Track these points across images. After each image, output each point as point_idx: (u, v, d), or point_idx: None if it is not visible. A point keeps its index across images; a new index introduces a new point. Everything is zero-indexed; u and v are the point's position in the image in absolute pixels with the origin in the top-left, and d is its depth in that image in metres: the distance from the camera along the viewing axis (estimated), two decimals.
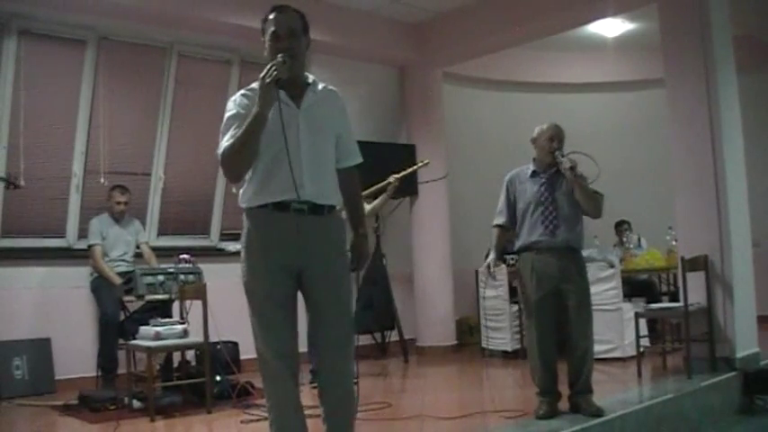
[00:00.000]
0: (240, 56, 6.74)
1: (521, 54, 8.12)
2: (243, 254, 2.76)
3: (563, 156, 4.14)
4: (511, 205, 4.30)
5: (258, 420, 4.24)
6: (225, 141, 2.66)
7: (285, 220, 2.70)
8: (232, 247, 6.69)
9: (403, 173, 5.82)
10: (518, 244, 4.26)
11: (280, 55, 2.61)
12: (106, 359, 5.46)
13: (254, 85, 2.68)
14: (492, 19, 6.90)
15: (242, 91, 2.77)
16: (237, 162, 2.64)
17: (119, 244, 5.79)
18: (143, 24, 6.09)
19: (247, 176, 2.74)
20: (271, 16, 2.73)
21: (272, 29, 2.70)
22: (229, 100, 2.77)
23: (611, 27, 7.80)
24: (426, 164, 5.93)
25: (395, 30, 7.42)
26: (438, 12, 7.22)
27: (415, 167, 5.95)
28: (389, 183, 5.79)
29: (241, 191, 2.79)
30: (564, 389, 4.24)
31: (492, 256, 4.30)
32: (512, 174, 4.36)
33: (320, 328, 2.78)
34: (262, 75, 2.58)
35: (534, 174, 4.26)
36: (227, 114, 2.72)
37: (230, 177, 2.76)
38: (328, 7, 6.40)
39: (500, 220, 4.33)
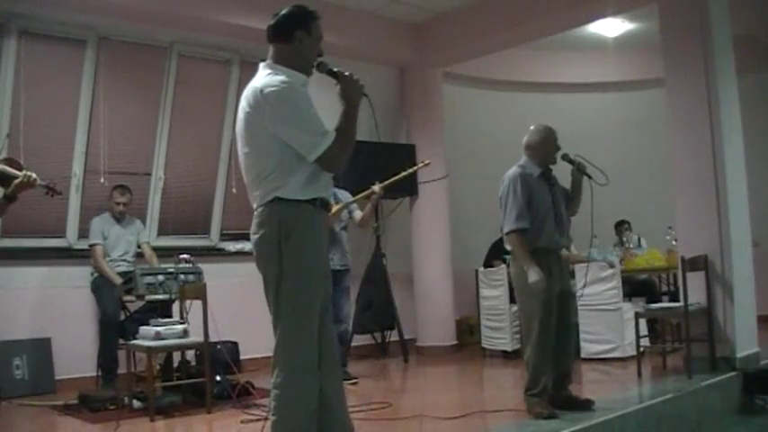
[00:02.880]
0: (240, 56, 6.74)
1: (521, 54, 8.13)
2: (289, 254, 2.67)
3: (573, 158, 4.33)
4: (526, 206, 4.17)
5: (258, 420, 4.24)
6: (324, 137, 2.68)
7: (325, 218, 2.82)
8: (232, 246, 6.70)
9: (389, 180, 5.43)
10: (536, 245, 4.14)
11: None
12: (106, 359, 5.46)
13: (284, 77, 2.74)
14: (492, 19, 6.89)
15: (288, 84, 2.73)
16: (348, 157, 2.77)
17: (120, 244, 5.79)
18: (143, 24, 6.09)
19: (287, 167, 2.71)
20: (319, 21, 2.89)
21: (322, 34, 2.89)
22: (290, 88, 2.71)
23: (611, 27, 7.80)
24: (427, 164, 5.71)
25: (395, 30, 7.42)
26: (438, 12, 7.22)
27: (415, 168, 5.73)
28: (373, 192, 5.43)
29: (276, 184, 2.71)
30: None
31: (535, 267, 4.05)
32: (519, 174, 4.20)
33: (326, 325, 2.84)
34: (356, 79, 2.78)
35: (542, 176, 4.26)
36: (309, 108, 2.72)
37: (335, 170, 2.81)
38: (328, 7, 6.39)
39: (525, 223, 4.12)
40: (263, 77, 2.77)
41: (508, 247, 4.27)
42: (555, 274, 4.17)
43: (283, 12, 2.84)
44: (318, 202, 2.75)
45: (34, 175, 4.03)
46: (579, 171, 4.31)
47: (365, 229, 5.74)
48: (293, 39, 2.80)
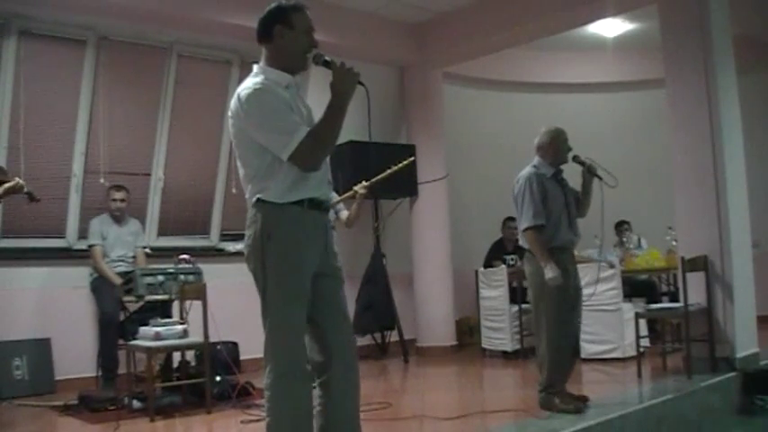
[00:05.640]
0: (240, 56, 6.74)
1: (521, 54, 8.12)
2: (271, 253, 2.66)
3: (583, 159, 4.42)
4: (542, 205, 4.24)
5: (258, 420, 4.24)
6: (295, 134, 2.62)
7: (317, 217, 2.76)
8: (232, 247, 6.70)
9: (373, 180, 5.41)
10: (552, 243, 4.22)
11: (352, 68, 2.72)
12: (106, 359, 5.45)
13: (262, 78, 2.72)
14: (492, 19, 6.89)
15: (261, 86, 2.69)
16: (326, 153, 2.72)
17: (119, 244, 5.79)
18: (143, 24, 6.09)
19: (269, 169, 2.68)
20: (305, 12, 2.81)
21: (311, 25, 2.82)
22: (261, 89, 2.68)
23: (611, 27, 7.79)
24: (411, 160, 5.59)
25: (395, 30, 7.42)
26: (438, 12, 7.22)
27: (399, 166, 5.63)
28: (355, 192, 5.44)
29: (260, 186, 2.71)
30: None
31: (552, 263, 4.11)
32: (534, 174, 4.28)
33: (335, 326, 2.81)
34: (350, 68, 2.68)
35: (554, 176, 4.34)
36: (280, 108, 2.67)
37: (311, 168, 2.70)
38: (328, 7, 6.41)
39: (541, 219, 4.19)
40: (246, 80, 2.79)
41: (525, 245, 4.30)
42: (570, 272, 4.26)
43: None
44: (306, 202, 2.71)
45: (22, 182, 4.31)
46: (590, 173, 4.38)
47: (350, 228, 5.73)
48: (273, 36, 2.78)
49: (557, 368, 4.17)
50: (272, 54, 2.80)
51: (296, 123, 2.68)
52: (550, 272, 4.09)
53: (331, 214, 5.56)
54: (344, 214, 5.62)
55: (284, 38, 2.77)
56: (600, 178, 4.36)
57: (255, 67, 2.83)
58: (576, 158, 4.40)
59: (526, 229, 4.21)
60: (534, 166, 4.33)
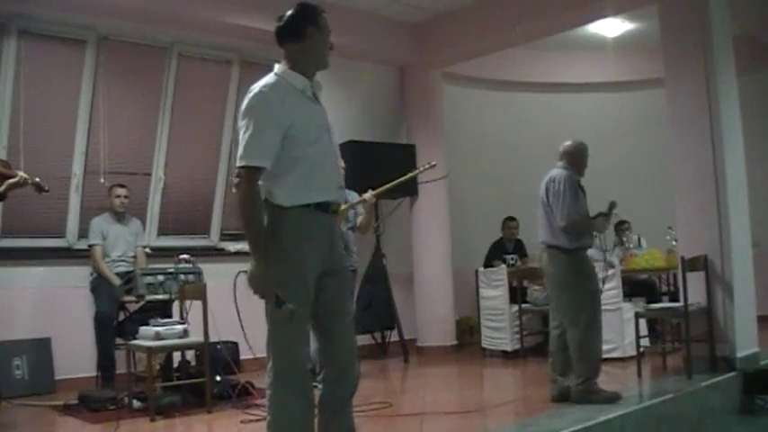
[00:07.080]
0: (240, 56, 6.74)
1: (521, 54, 8.13)
2: (277, 255, 2.65)
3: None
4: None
5: (258, 420, 4.24)
6: (247, 157, 2.60)
7: (324, 220, 2.76)
8: (232, 247, 6.70)
9: (386, 186, 5.30)
10: (581, 243, 4.49)
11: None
12: (102, 357, 5.43)
13: (273, 80, 2.70)
14: (492, 19, 6.90)
15: (267, 89, 2.66)
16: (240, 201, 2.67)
17: (119, 243, 5.79)
18: (143, 24, 6.09)
19: (277, 173, 2.66)
20: (325, 15, 2.83)
21: (329, 27, 2.83)
22: (265, 93, 2.64)
23: (611, 27, 7.80)
24: (433, 165, 5.49)
25: (395, 30, 7.42)
26: (438, 12, 7.22)
27: (419, 171, 5.55)
28: (364, 200, 5.29)
29: (267, 187, 2.70)
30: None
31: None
32: (570, 175, 4.48)
33: (336, 326, 2.81)
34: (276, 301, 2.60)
35: (579, 183, 4.56)
36: (264, 121, 2.62)
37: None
38: (328, 7, 6.35)
39: (579, 216, 4.46)
40: (264, 78, 2.77)
41: (552, 243, 4.46)
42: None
43: (291, 12, 2.79)
44: (313, 206, 2.70)
45: (26, 176, 4.30)
46: (609, 212, 4.65)
47: (363, 233, 5.69)
48: (306, 36, 2.76)
49: (598, 358, 4.38)
50: (297, 55, 2.77)
51: (264, 148, 2.62)
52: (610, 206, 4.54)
53: (351, 214, 5.53)
54: (360, 219, 5.54)
55: (314, 39, 2.77)
56: (600, 230, 4.78)
57: (277, 67, 2.80)
58: (612, 204, 4.63)
59: (570, 224, 4.36)
60: (565, 168, 4.51)
